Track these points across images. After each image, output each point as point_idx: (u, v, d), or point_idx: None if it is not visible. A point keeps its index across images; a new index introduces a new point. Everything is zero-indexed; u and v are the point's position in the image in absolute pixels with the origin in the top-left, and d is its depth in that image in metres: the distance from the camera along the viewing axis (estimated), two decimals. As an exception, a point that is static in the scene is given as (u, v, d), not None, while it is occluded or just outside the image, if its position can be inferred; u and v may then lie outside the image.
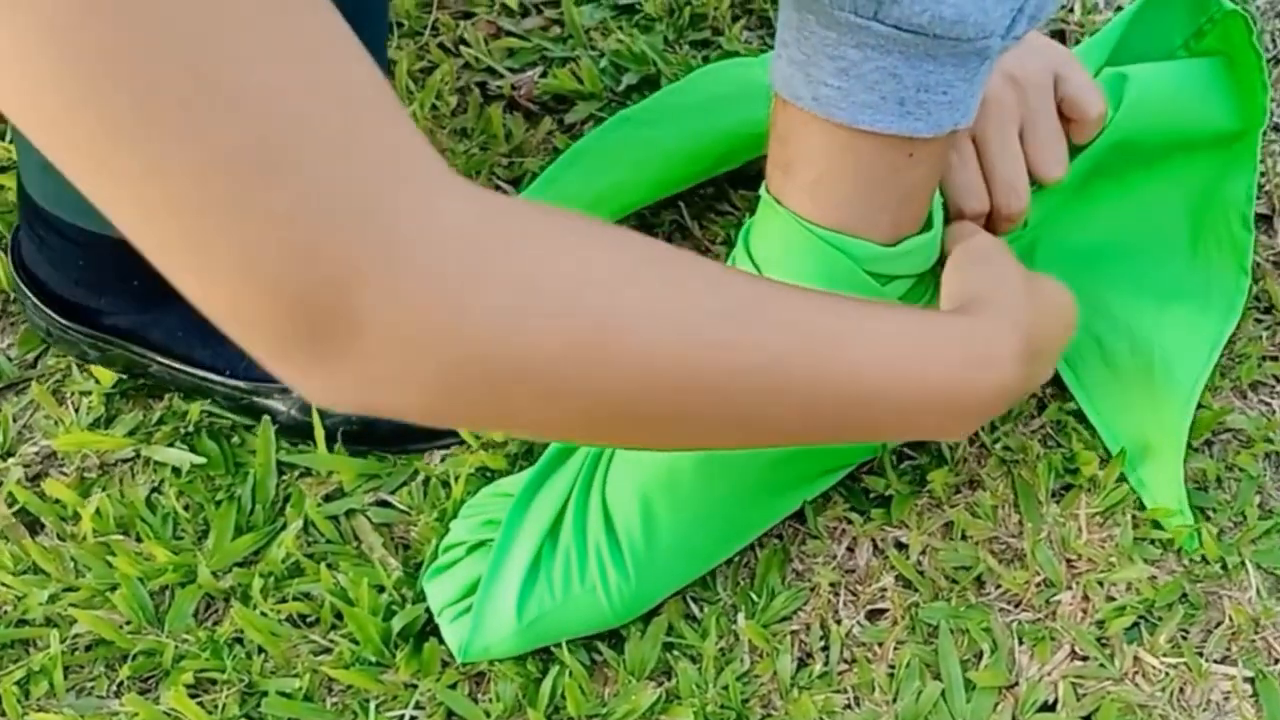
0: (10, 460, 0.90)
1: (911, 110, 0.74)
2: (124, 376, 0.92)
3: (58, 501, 0.88)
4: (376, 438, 0.89)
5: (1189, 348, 0.92)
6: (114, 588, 0.84)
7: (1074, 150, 0.94)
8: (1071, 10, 1.12)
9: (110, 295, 0.88)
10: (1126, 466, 0.87)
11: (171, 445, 0.90)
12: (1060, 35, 1.10)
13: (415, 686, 0.80)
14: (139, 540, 0.86)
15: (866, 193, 0.78)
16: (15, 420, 0.92)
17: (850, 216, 0.79)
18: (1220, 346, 0.92)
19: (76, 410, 0.91)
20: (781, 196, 0.80)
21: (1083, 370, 0.91)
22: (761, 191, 0.81)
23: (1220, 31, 0.95)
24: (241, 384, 0.89)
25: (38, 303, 0.91)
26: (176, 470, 0.89)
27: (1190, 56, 0.97)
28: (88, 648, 0.83)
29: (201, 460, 0.88)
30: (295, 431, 0.89)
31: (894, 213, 0.80)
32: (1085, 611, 0.83)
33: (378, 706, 0.80)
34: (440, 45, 1.11)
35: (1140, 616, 0.83)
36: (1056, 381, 0.92)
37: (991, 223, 0.94)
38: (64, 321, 0.90)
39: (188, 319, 0.88)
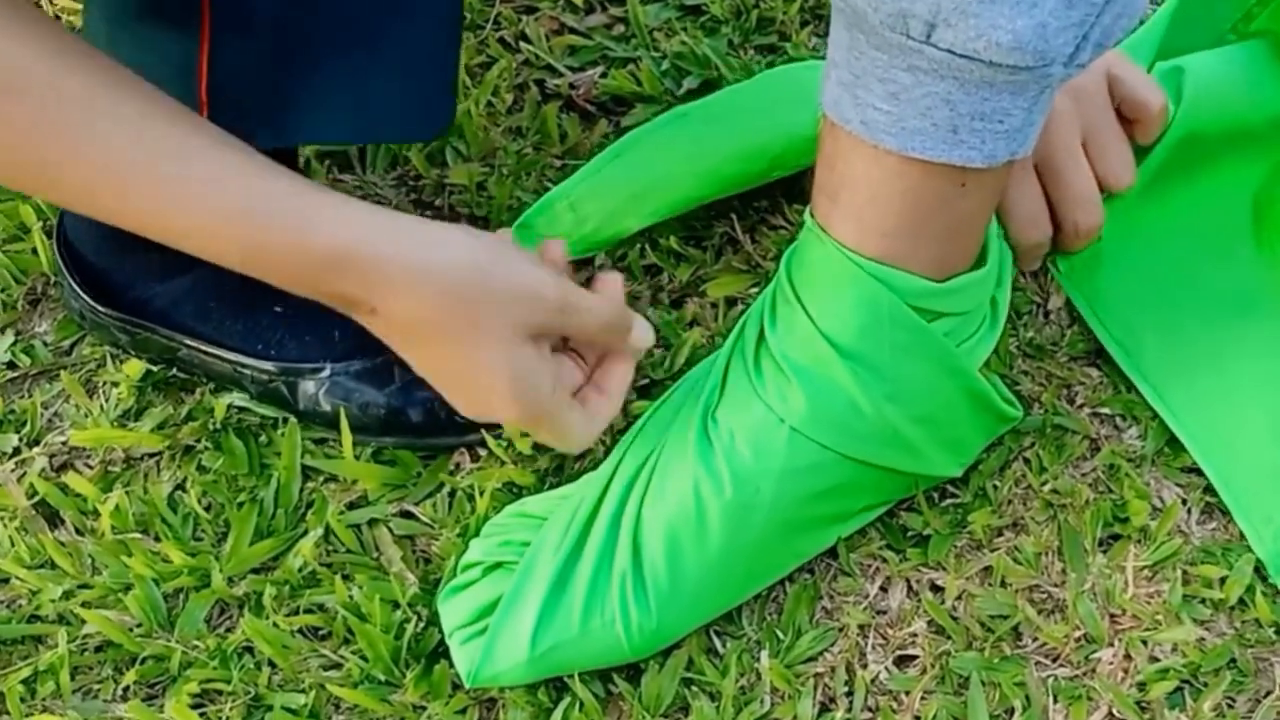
0: (35, 450, 0.89)
1: (965, 139, 0.71)
2: (153, 369, 0.90)
3: (79, 495, 0.86)
4: (405, 427, 0.87)
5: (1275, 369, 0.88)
6: (128, 588, 0.82)
7: (1139, 152, 0.90)
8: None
9: (141, 253, 0.86)
10: (1230, 500, 0.83)
11: (198, 442, 0.88)
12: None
13: (423, 709, 0.78)
14: (157, 540, 0.85)
15: (914, 223, 0.75)
16: (45, 409, 0.91)
17: (896, 247, 0.75)
18: None
19: (106, 401, 0.90)
20: (826, 224, 0.76)
21: (1172, 399, 0.87)
22: (805, 216, 0.78)
23: (1271, 12, 0.91)
24: (270, 366, 0.87)
25: (73, 284, 0.90)
26: (201, 468, 0.87)
27: (1240, 40, 0.93)
28: (97, 649, 0.81)
29: (225, 459, 0.87)
30: (322, 420, 0.87)
31: (942, 246, 0.76)
32: (1126, 671, 0.79)
33: (383, 728, 0.78)
34: (501, 40, 1.08)
35: (1184, 680, 0.78)
36: (1112, 423, 0.88)
37: (1065, 241, 0.90)
38: (96, 305, 0.89)
39: (221, 287, 0.87)
